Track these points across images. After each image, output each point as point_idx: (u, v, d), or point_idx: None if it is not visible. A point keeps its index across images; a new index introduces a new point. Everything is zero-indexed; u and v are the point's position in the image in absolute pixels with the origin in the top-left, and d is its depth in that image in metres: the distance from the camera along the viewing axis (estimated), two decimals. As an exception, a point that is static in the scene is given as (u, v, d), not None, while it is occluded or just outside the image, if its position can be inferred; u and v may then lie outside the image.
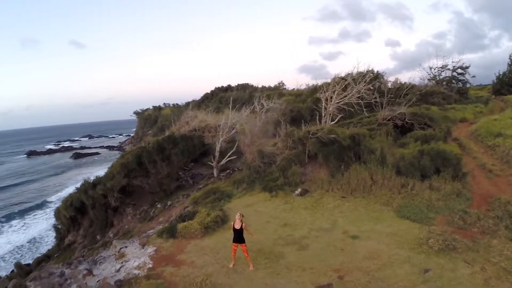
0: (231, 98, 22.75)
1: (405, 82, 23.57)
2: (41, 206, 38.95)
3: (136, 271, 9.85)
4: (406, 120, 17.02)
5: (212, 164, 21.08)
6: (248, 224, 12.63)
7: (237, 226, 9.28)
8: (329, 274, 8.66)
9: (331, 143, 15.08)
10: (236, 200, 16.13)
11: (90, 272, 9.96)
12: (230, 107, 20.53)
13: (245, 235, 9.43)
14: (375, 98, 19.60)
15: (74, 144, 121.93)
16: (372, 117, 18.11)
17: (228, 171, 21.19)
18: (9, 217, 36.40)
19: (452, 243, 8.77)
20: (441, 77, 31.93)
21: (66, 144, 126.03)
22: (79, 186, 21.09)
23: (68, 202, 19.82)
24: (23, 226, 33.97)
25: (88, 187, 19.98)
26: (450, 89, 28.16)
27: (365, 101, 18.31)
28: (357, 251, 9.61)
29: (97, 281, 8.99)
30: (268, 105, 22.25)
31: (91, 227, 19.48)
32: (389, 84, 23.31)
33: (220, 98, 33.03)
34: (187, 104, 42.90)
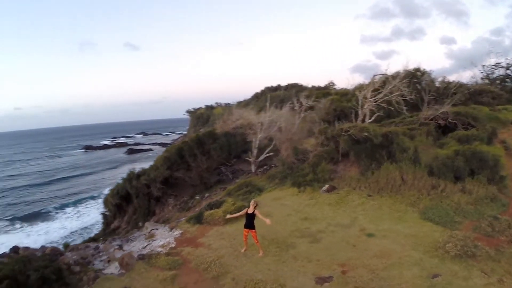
0: (268, 96, 22.99)
1: (452, 81, 21.37)
2: (94, 196, 40.80)
3: (159, 249, 10.64)
4: (449, 119, 15.47)
5: (250, 160, 21.52)
6: (271, 217, 12.80)
7: (250, 211, 9.49)
8: (333, 267, 8.40)
9: (364, 141, 14.44)
10: (267, 194, 16.29)
11: (120, 247, 11.01)
12: (268, 104, 20.73)
13: (257, 222, 9.60)
14: (417, 96, 18.08)
15: (129, 141, 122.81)
16: (415, 116, 16.83)
17: (265, 167, 21.42)
18: (64, 205, 38.67)
19: (472, 249, 7.85)
20: (494, 75, 28.50)
21: (121, 140, 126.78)
22: (125, 176, 22.53)
23: (115, 191, 21.54)
24: (76, 213, 35.89)
25: (132, 177, 21.37)
26: (502, 88, 24.77)
27: (406, 100, 17.04)
28: (368, 249, 9.13)
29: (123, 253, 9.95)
30: (306, 103, 21.99)
31: (134, 214, 20.59)
32: (437, 83, 21.27)
33: (268, 97, 33.36)
34: (239, 103, 44.00)
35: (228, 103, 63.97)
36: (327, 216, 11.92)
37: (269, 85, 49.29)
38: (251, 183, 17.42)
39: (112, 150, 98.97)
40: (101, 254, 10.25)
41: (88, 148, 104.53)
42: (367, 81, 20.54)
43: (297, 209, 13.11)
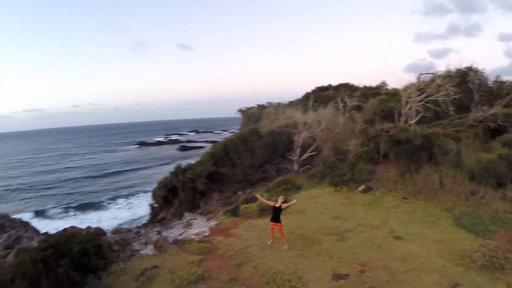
0: (312, 96, 22.74)
1: (506, 80, 18.87)
2: (145, 190, 40.69)
3: (193, 236, 11.60)
4: (499, 122, 13.91)
5: (293, 158, 21.69)
6: (303, 214, 13.10)
7: (277, 205, 9.88)
8: (353, 266, 8.41)
9: (404, 142, 13.82)
10: (304, 192, 16.43)
11: (159, 233, 12.24)
12: (311, 104, 20.65)
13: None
14: (468, 97, 16.50)
15: (181, 138, 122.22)
16: (464, 118, 15.44)
17: (307, 166, 21.43)
18: (116, 197, 40.22)
19: (501, 261, 7.29)
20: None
21: (174, 137, 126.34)
22: (172, 170, 23.28)
23: (162, 184, 22.54)
24: (127, 205, 37.11)
25: (179, 171, 22.27)
26: None
27: (455, 100, 15.67)
28: (392, 251, 8.93)
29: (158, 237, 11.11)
30: (351, 103, 21.39)
31: (180, 207, 21.24)
32: (490, 82, 19.03)
33: (317, 97, 32.88)
34: (290, 103, 43.95)
35: (280, 103, 63.46)
36: (358, 216, 11.80)
37: (320, 85, 48.58)
38: (290, 180, 17.69)
39: (164, 146, 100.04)
40: (140, 237, 11.57)
41: (142, 144, 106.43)
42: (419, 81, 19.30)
43: (330, 208, 13.15)
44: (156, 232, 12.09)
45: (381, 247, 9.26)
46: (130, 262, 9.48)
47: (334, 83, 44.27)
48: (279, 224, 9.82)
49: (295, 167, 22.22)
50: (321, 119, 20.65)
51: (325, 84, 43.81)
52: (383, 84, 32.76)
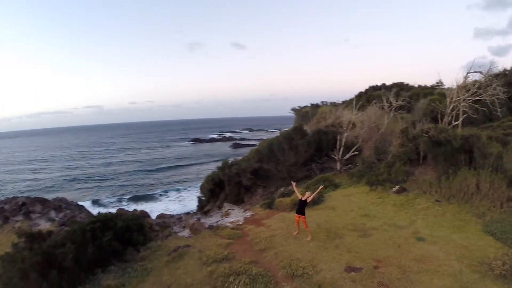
0: (354, 97, 22.14)
1: None
2: (196, 185, 40.62)
3: (228, 224, 12.75)
4: None
5: (335, 157, 21.66)
6: (334, 210, 13.43)
7: (303, 198, 10.48)
8: (368, 261, 8.66)
9: (444, 144, 13.20)
10: (341, 190, 16.57)
11: (199, 219, 13.63)
12: (354, 103, 20.33)
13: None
14: None
15: (235, 135, 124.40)
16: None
17: (350, 165, 21.23)
18: (168, 190, 41.75)
19: (520, 271, 6.95)
20: None
21: (228, 135, 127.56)
22: (220, 165, 24.37)
23: (210, 177, 23.63)
24: (178, 198, 38.34)
25: (226, 166, 23.37)
26: None
27: (503, 101, 14.20)
28: (411, 251, 8.92)
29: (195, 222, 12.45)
30: (396, 103, 20.48)
31: (225, 200, 21.74)
32: None
33: (368, 96, 31.74)
34: (343, 102, 42.82)
35: (334, 102, 61.74)
36: (387, 215, 11.77)
37: (374, 84, 46.61)
38: (328, 179, 17.88)
39: (218, 143, 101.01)
40: (181, 222, 13.04)
41: (195, 140, 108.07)
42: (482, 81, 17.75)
43: (362, 206, 13.24)
44: (195, 219, 13.52)
45: (401, 247, 9.28)
46: (167, 241, 10.94)
47: (388, 82, 42.16)
48: (303, 216, 10.39)
49: (338, 166, 22.13)
50: (364, 119, 20.30)
51: (379, 83, 41.88)
52: (439, 83, 30.41)
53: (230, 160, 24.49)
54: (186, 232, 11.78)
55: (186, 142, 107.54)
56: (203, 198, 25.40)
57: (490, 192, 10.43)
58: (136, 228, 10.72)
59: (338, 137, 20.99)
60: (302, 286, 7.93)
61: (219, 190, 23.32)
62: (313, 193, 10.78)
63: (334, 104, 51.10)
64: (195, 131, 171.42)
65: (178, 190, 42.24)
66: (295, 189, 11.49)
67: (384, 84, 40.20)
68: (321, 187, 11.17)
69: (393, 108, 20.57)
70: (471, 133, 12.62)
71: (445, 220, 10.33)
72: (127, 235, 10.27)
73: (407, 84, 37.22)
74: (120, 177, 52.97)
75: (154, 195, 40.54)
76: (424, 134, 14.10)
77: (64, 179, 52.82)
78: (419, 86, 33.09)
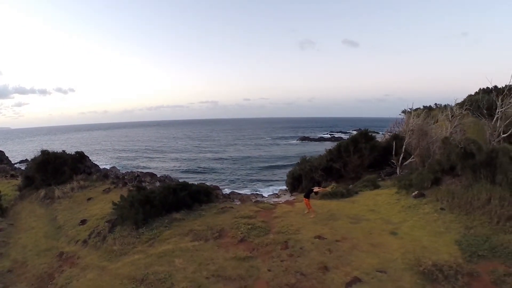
0: (412, 104, 19.87)
1: None
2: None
3: (271, 201, 15.60)
4: None
5: (394, 162, 20.94)
6: (353, 203, 14.37)
7: (314, 190, 12.63)
8: (337, 236, 9.89)
9: (471, 156, 12.22)
10: (376, 190, 16.22)
11: (256, 196, 16.99)
12: (412, 108, 19.01)
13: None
14: None
15: (345, 136, 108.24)
16: None
17: (407, 171, 20.11)
18: (269, 185, 41.18)
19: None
20: None
21: (337, 135, 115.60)
22: (299, 161, 25.20)
23: (291, 172, 24.56)
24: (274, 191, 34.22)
25: (303, 162, 24.49)
26: None
27: None
28: (375, 238, 9.69)
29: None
30: (459, 113, 17.92)
31: (302, 192, 20.63)
32: None
33: (470, 100, 26.97)
34: (456, 104, 36.25)
35: (448, 105, 51.46)
36: (388, 213, 11.83)
37: (485, 86, 37.66)
38: (371, 179, 18.02)
39: (326, 143, 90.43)
40: (240, 196, 16.69)
41: (304, 139, 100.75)
42: None
43: (376, 204, 13.35)
44: (254, 198, 17.06)
45: (371, 234, 9.95)
46: (222, 204, 14.67)
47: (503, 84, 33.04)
48: (306, 199, 12.41)
49: (398, 171, 21.26)
50: (417, 127, 19.02)
51: (491, 85, 33.65)
52: None
53: (308, 156, 25.23)
54: (238, 202, 15.55)
55: (295, 140, 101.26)
56: (287, 189, 26.42)
57: (496, 209, 9.28)
58: (204, 192, 15.10)
59: (394, 142, 20.35)
60: (280, 237, 10.46)
61: (298, 183, 24.03)
62: (324, 189, 12.82)
63: (429, 108, 43.80)
64: (305, 129, 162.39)
65: (279, 185, 41.95)
66: (319, 189, 13.52)
67: (495, 87, 32.25)
68: (328, 187, 12.92)
69: (456, 118, 18.43)
70: (499, 147, 11.24)
71: (432, 225, 9.88)
72: (197, 196, 14.76)
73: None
74: (225, 171, 52.83)
75: (256, 186, 41.73)
76: (458, 145, 13.18)
77: (173, 169, 53.91)
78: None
